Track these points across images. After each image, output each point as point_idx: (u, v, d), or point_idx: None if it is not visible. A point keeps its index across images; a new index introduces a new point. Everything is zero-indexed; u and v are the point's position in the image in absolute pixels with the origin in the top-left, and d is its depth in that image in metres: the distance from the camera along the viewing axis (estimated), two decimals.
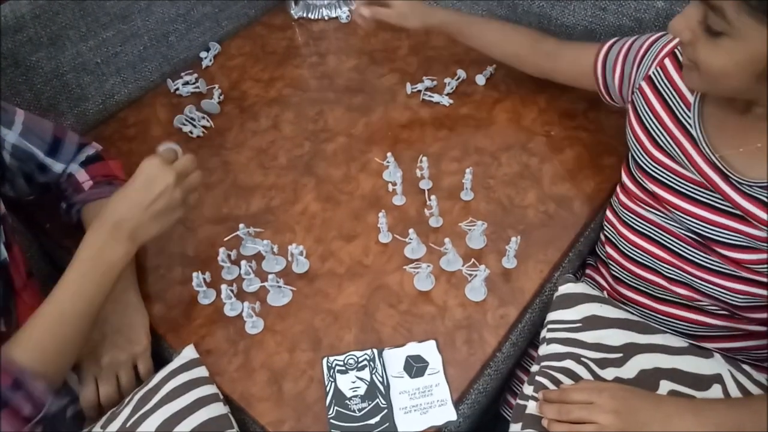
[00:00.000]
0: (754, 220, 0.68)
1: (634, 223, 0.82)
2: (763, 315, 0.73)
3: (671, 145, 0.75)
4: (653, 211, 0.79)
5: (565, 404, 0.68)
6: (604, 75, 0.86)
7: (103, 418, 0.73)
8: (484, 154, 0.99)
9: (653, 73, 0.77)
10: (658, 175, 0.77)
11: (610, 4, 1.02)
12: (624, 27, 1.02)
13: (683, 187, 0.74)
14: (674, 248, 0.78)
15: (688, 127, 0.72)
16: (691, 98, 0.73)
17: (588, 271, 0.95)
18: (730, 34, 0.58)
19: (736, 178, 0.68)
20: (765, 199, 0.67)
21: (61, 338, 0.67)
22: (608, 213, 0.88)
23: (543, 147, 1.00)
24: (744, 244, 0.70)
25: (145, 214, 0.71)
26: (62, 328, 0.67)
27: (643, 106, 0.78)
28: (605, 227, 0.89)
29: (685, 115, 0.73)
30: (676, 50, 0.75)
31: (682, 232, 0.76)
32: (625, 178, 0.83)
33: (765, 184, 0.66)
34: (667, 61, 0.76)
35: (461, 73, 1.12)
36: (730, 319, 0.77)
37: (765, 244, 0.68)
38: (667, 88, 0.75)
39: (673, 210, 0.76)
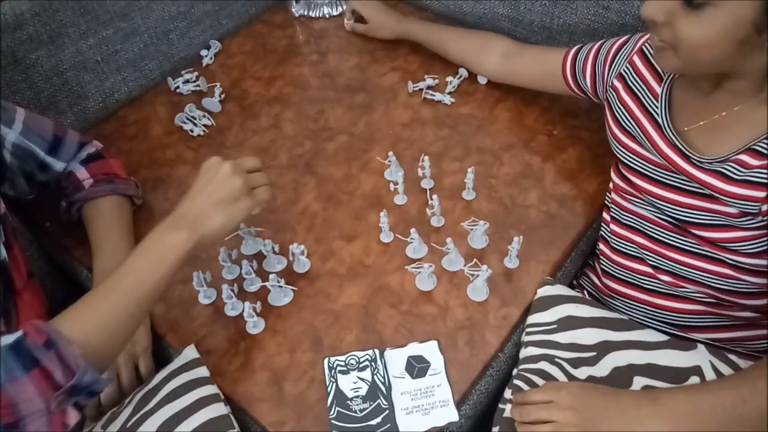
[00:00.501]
0: (720, 195, 0.68)
1: (619, 216, 0.84)
2: (748, 301, 0.74)
3: (636, 130, 0.77)
4: (634, 200, 0.81)
5: (527, 406, 0.68)
6: (574, 75, 0.89)
7: (104, 418, 0.73)
8: (485, 153, 0.99)
9: (624, 70, 0.80)
10: (631, 162, 0.79)
11: (613, 3, 1.01)
12: (627, 26, 1.01)
13: (651, 172, 0.77)
14: (655, 235, 0.79)
15: (655, 115, 0.75)
16: (658, 89, 0.75)
17: (586, 270, 0.96)
18: (713, 2, 0.58)
19: (696, 158, 0.70)
20: (724, 171, 0.67)
21: (109, 312, 0.62)
22: (604, 212, 0.89)
23: (545, 146, 0.99)
24: (717, 222, 0.71)
25: (206, 202, 0.70)
26: (109, 301, 0.63)
27: (616, 101, 0.81)
28: (601, 226, 0.89)
29: (652, 104, 0.75)
30: (644, 47, 0.78)
31: (660, 217, 0.77)
32: (612, 174, 0.85)
33: (723, 158, 0.67)
34: (635, 58, 0.79)
35: (463, 72, 1.11)
36: (717, 307, 0.77)
37: (737, 221, 0.68)
38: (637, 82, 0.78)
39: (647, 196, 0.78)
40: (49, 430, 0.56)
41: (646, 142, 0.76)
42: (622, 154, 0.81)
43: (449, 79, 1.10)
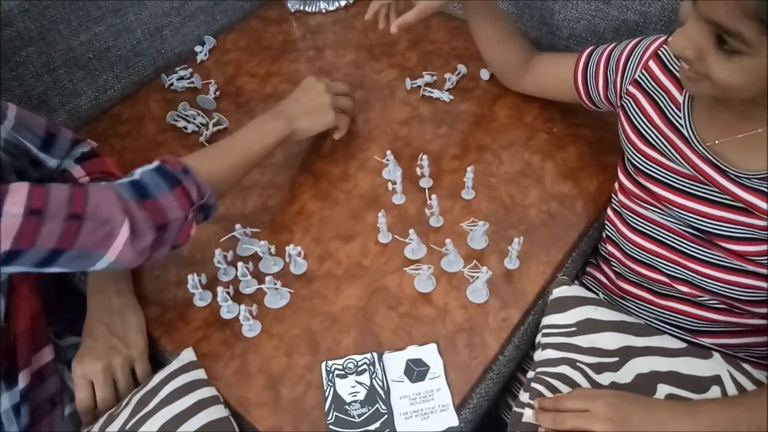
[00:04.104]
0: (758, 212, 0.67)
1: (633, 221, 0.81)
2: (763, 309, 0.73)
3: (662, 143, 0.74)
4: (651, 208, 0.78)
5: (560, 413, 0.67)
6: (585, 82, 0.86)
7: (101, 420, 0.72)
8: (485, 151, 0.97)
9: (640, 76, 0.77)
10: (652, 172, 0.76)
11: None
12: (628, 21, 1.00)
13: (677, 183, 0.74)
14: (675, 245, 0.77)
15: (679, 126, 0.72)
16: (680, 98, 0.72)
17: (589, 269, 0.94)
18: (749, 53, 0.55)
19: (734, 172, 0.67)
20: (766, 190, 0.65)
21: (222, 164, 0.81)
22: (609, 211, 0.87)
23: (545, 144, 0.98)
24: (747, 235, 0.69)
25: (299, 108, 0.90)
26: (225, 157, 0.82)
27: (633, 108, 0.78)
28: (606, 226, 0.87)
29: (675, 115, 0.73)
30: (659, 52, 0.75)
31: (682, 228, 0.75)
32: (621, 177, 0.82)
33: (765, 175, 0.65)
34: (651, 63, 0.76)
35: (461, 68, 1.10)
36: (731, 314, 0.76)
37: (765, 233, 0.67)
38: (655, 89, 0.75)
39: (669, 206, 0.75)
40: (182, 234, 0.74)
41: (674, 153, 0.73)
42: (639, 161, 0.77)
43: (448, 75, 1.08)
